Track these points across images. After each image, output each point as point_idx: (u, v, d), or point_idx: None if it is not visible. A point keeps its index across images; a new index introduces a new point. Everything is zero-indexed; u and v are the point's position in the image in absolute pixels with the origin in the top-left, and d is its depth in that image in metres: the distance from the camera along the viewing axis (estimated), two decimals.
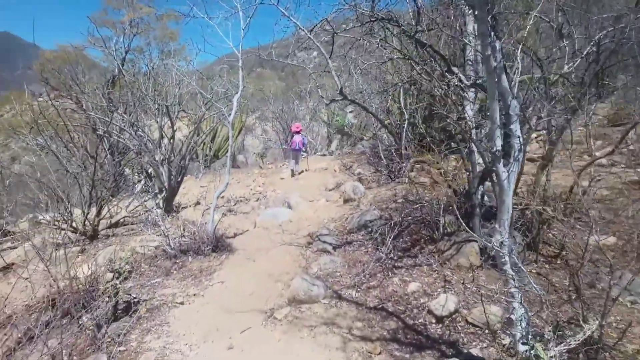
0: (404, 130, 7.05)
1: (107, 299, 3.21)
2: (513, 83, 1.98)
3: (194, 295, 3.87)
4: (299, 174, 10.27)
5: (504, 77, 1.95)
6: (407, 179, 5.84)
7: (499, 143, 2.04)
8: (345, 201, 6.46)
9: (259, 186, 9.88)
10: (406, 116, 7.10)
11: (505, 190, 2.10)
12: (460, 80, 4.15)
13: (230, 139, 4.70)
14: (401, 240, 4.29)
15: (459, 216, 3.38)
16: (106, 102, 6.23)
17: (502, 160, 2.05)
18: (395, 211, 5.08)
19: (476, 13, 1.93)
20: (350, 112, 9.91)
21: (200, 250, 4.72)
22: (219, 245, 4.80)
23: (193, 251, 4.78)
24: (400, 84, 6.60)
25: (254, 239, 5.16)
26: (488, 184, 4.37)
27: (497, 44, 1.92)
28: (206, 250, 4.69)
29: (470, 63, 4.51)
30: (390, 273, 3.76)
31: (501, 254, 2.20)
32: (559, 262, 3.88)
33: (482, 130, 4.15)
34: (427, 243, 4.17)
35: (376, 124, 10.31)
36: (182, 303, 3.68)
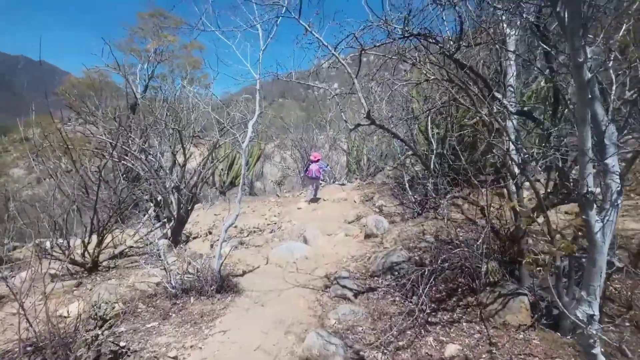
0: (431, 161, 6.51)
1: (85, 351, 2.71)
2: (612, 102, 1.46)
3: (191, 347, 3.32)
4: (317, 202, 9.94)
5: (596, 92, 1.44)
6: (442, 215, 5.23)
7: (590, 181, 1.49)
8: (367, 236, 5.88)
9: (275, 216, 9.41)
10: (434, 146, 6.58)
11: (598, 246, 1.53)
12: (503, 106, 3.64)
13: (243, 166, 4.27)
14: (434, 288, 3.67)
15: (499, 263, 2.79)
16: (117, 125, 5.97)
17: (594, 207, 1.49)
18: (425, 252, 4.47)
19: (558, 9, 1.44)
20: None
21: (203, 291, 4.20)
22: (225, 285, 4.27)
23: (196, 291, 4.27)
24: (431, 110, 6.11)
25: (265, 278, 4.62)
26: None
27: (588, 50, 1.42)
28: (210, 290, 4.17)
29: (512, 90, 4.03)
30: (422, 330, 3.13)
31: (589, 332, 1.61)
32: (627, 324, 3.20)
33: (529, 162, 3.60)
34: (466, 294, 3.54)
35: (400, 154, 9.83)
36: (175, 358, 3.13)
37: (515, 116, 3.75)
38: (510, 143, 3.39)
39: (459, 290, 3.60)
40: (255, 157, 15.30)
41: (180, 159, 6.25)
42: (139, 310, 4.27)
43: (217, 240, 7.17)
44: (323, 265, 4.89)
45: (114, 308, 3.28)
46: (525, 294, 3.20)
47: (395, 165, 8.27)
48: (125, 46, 17.35)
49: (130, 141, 6.11)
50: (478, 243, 3.44)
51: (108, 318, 3.11)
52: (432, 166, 6.60)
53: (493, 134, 3.74)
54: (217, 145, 6.29)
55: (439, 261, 4.02)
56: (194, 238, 7.52)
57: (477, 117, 7.25)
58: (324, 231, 6.85)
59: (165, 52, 17.24)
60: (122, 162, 6.18)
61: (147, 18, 18.39)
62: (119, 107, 6.02)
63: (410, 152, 7.12)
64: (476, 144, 7.39)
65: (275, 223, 8.50)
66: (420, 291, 3.27)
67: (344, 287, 3.93)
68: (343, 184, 12.37)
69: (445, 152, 6.90)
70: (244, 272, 4.81)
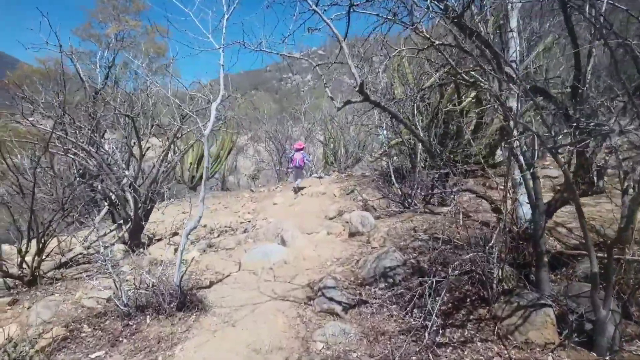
0: (418, 150, 5.98)
1: None
2: None
3: None
4: (299, 192, 9.72)
5: None
6: (452, 207, 4.69)
7: None
8: (352, 235, 5.29)
9: (249, 213, 8.69)
10: (420, 135, 6.04)
11: None
12: (512, 81, 3.08)
13: (205, 157, 3.55)
14: (438, 298, 3.11)
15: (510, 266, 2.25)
16: (60, 114, 5.08)
17: None
18: (421, 253, 3.91)
19: None
20: (384, 129, 9.04)
21: (161, 308, 3.48)
22: (188, 300, 3.56)
23: (153, 308, 3.55)
24: (422, 90, 5.56)
25: (236, 290, 3.94)
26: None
27: None
28: (170, 308, 3.45)
29: (516, 65, 3.51)
30: (431, 355, 2.56)
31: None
32: None
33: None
34: (476, 305, 2.99)
35: (386, 143, 9.33)
36: None
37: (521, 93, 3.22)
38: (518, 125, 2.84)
39: (467, 300, 3.06)
40: (227, 150, 14.43)
41: (136, 151, 5.43)
42: (84, 334, 3.52)
43: (189, 243, 6.41)
44: (304, 271, 4.26)
45: (36, 344, 2.53)
46: (550, 305, 2.67)
47: (379, 156, 7.70)
48: (83, 32, 15.95)
49: (77, 132, 5.23)
50: (491, 244, 2.89)
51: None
52: (419, 156, 6.06)
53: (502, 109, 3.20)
54: (179, 135, 5.50)
55: (441, 265, 3.47)
56: (158, 240, 6.71)
57: (469, 100, 6.77)
58: (303, 229, 6.22)
59: (127, 38, 15.98)
60: (68, 155, 5.31)
61: (107, 1, 16.98)
62: (63, 93, 5.11)
63: (400, 140, 6.56)
64: (461, 132, 6.91)
65: (249, 221, 7.79)
66: (429, 307, 2.68)
67: (330, 299, 3.31)
68: (320, 177, 11.74)
69: (431, 140, 6.38)
70: (212, 283, 4.11)
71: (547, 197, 3.15)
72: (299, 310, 3.40)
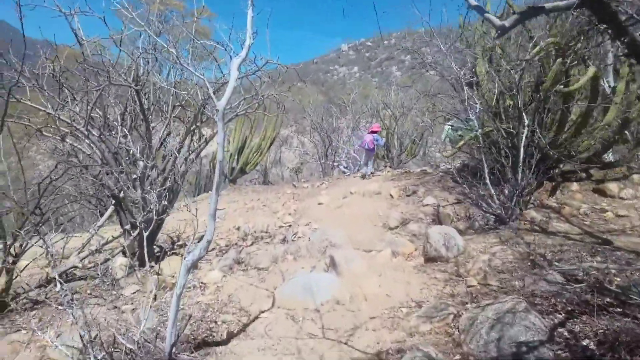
0: (522, 143, 4.28)
1: None
2: None
3: None
4: (370, 176, 9.01)
5: None
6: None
7: None
8: (430, 260, 3.77)
9: (289, 214, 7.34)
10: (526, 122, 4.33)
11: None
12: None
13: (220, 140, 2.18)
14: None
15: None
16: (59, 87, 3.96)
17: None
18: (569, 315, 2.31)
19: None
20: (449, 124, 7.63)
21: None
22: None
23: None
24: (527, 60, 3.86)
25: (264, 352, 2.56)
26: None
27: None
28: None
29: None
30: None
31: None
32: None
33: None
34: None
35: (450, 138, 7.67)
36: None
37: None
38: None
39: None
40: (269, 141, 13.21)
41: (154, 137, 4.21)
42: None
43: (215, 253, 5.17)
44: (367, 321, 2.80)
45: None
46: None
47: (458, 148, 6.03)
48: (124, 13, 15.31)
49: (72, 111, 4.09)
50: None
51: None
52: (521, 149, 4.36)
53: None
54: (201, 117, 4.22)
55: (624, 346, 1.88)
56: (180, 246, 5.55)
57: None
58: (358, 244, 4.77)
59: (170, 20, 15.12)
60: (65, 141, 4.20)
61: None
62: (59, 61, 4.00)
63: (490, 129, 4.88)
64: (565, 122, 5.07)
65: (289, 225, 6.44)
66: None
67: None
68: (372, 173, 10.15)
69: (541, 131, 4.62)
70: (231, 335, 2.75)
71: None
72: None
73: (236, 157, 12.79)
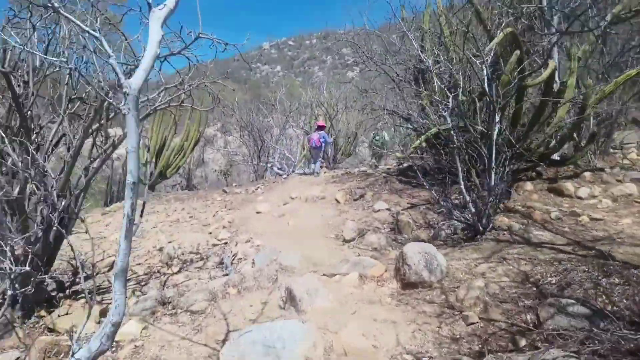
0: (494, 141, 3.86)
1: None
2: None
3: None
4: (317, 175, 8.71)
5: None
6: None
7: None
8: (409, 285, 3.13)
9: (223, 227, 6.28)
10: (497, 119, 3.92)
11: None
12: None
13: (131, 129, 1.24)
14: None
15: None
16: None
17: None
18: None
19: None
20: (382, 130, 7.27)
21: None
22: None
23: None
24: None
25: None
26: None
27: None
28: None
29: None
30: None
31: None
32: None
33: None
34: None
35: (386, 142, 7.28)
36: None
37: None
38: None
39: None
40: (193, 141, 11.81)
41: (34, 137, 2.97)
42: None
43: (131, 288, 3.99)
44: None
45: None
46: None
47: (414, 148, 5.55)
48: None
49: None
50: None
51: None
52: (493, 148, 3.94)
53: None
54: (107, 112, 3.08)
55: None
56: (87, 277, 4.23)
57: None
58: (315, 265, 3.98)
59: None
60: None
61: None
62: None
63: (460, 124, 4.41)
64: (542, 112, 4.86)
65: (225, 242, 5.42)
66: None
67: None
68: (303, 174, 9.39)
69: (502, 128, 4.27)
70: None
71: None
72: None
73: (153, 159, 11.20)
